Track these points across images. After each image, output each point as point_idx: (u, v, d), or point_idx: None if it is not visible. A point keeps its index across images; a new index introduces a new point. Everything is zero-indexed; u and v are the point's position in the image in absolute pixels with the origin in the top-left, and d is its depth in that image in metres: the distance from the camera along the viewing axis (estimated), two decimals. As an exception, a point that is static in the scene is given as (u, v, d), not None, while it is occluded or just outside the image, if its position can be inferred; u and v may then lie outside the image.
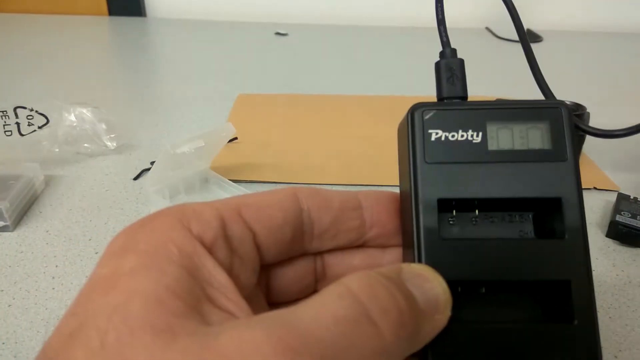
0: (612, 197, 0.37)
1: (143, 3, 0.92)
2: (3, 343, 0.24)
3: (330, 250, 0.17)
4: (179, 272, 0.12)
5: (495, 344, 0.14)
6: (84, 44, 0.76)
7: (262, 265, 0.16)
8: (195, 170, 0.36)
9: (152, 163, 0.39)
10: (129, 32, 0.83)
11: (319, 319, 0.11)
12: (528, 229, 0.16)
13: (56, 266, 0.29)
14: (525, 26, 0.94)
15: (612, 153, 0.44)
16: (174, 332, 0.11)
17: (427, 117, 0.16)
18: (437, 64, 0.18)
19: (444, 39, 0.18)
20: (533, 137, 0.16)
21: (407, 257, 0.16)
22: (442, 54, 0.18)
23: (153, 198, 0.34)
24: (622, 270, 0.29)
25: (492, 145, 0.16)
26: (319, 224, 0.16)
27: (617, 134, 0.17)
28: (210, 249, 0.13)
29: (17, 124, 0.38)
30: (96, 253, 0.30)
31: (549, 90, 0.18)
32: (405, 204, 0.16)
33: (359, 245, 0.17)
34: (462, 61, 0.18)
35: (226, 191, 0.36)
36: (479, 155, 0.15)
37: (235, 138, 0.43)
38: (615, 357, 0.23)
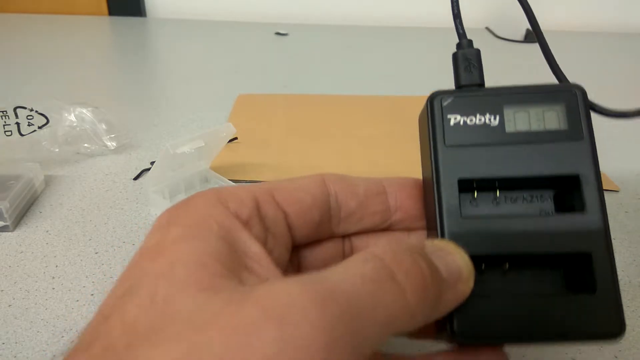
0: (612, 198, 0.37)
1: (143, 3, 0.92)
2: (3, 343, 0.24)
3: (357, 233, 0.18)
4: (219, 242, 0.13)
5: (519, 315, 0.15)
6: (84, 44, 0.76)
7: (294, 247, 0.17)
8: (195, 170, 0.36)
9: (152, 163, 0.39)
10: (129, 32, 0.83)
11: (346, 278, 0.12)
12: (548, 207, 0.17)
13: (56, 266, 0.29)
14: (525, 26, 0.94)
15: (611, 152, 0.44)
16: (217, 288, 0.12)
17: (445, 103, 0.17)
18: (455, 55, 0.18)
19: (460, 31, 0.19)
20: (549, 118, 0.16)
21: (431, 237, 0.17)
22: (459, 45, 0.19)
23: (153, 198, 0.34)
24: (622, 270, 0.29)
25: (509, 127, 0.16)
26: (345, 208, 0.17)
27: (629, 114, 0.18)
28: (245, 225, 0.15)
29: (17, 124, 0.38)
30: (96, 253, 0.30)
31: (562, 74, 0.18)
32: (428, 187, 0.17)
33: (384, 228, 0.18)
34: (478, 51, 0.18)
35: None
36: (497, 137, 0.16)
37: (236, 138, 0.43)
38: (616, 357, 0.23)
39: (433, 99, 0.17)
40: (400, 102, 0.54)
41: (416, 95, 0.56)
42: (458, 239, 0.15)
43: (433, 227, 0.16)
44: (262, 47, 0.76)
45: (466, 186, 0.16)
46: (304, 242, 0.17)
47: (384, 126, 0.48)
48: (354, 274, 0.12)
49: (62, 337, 0.24)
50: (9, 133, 0.38)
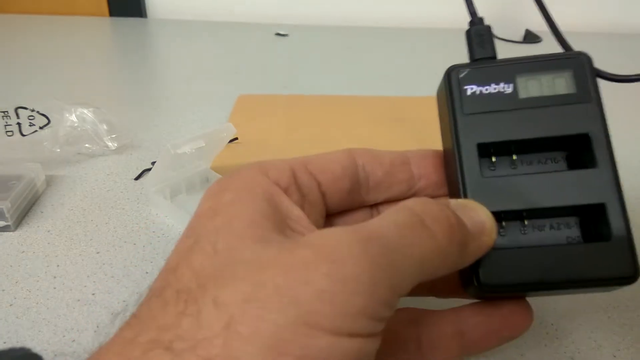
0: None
1: (144, 4, 0.92)
2: (4, 342, 0.24)
3: (385, 202, 0.20)
4: (265, 204, 0.15)
5: (539, 265, 0.16)
6: (84, 44, 0.76)
7: (328, 215, 0.18)
8: (196, 170, 0.36)
9: (153, 163, 0.39)
10: (129, 32, 0.83)
11: (382, 224, 0.14)
12: (562, 166, 0.18)
13: (57, 266, 0.29)
14: (524, 27, 0.94)
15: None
16: (269, 240, 0.13)
17: (462, 75, 0.18)
18: (468, 31, 0.20)
19: (472, 9, 0.20)
20: (559, 83, 0.17)
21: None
22: (471, 23, 0.20)
23: (154, 198, 0.34)
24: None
25: (522, 94, 0.17)
26: (373, 177, 0.19)
27: (633, 78, 0.19)
28: (285, 192, 0.16)
29: (19, 124, 0.38)
30: (97, 253, 0.30)
31: (567, 43, 0.20)
32: (449, 155, 0.18)
33: (410, 196, 0.19)
34: (489, 27, 0.20)
35: (227, 191, 0.36)
36: (511, 103, 0.17)
37: (236, 138, 0.43)
38: (614, 356, 0.23)
39: (450, 72, 0.18)
40: (400, 102, 0.54)
41: (416, 96, 0.56)
42: (479, 197, 0.16)
43: (455, 191, 0.17)
44: (262, 48, 0.76)
45: (485, 151, 0.17)
46: (336, 210, 0.19)
47: (384, 126, 0.48)
48: (389, 221, 0.14)
49: (64, 336, 0.24)
50: (10, 133, 0.38)
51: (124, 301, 0.25)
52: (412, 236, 0.14)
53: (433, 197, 0.19)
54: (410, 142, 0.45)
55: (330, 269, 0.12)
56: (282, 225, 0.15)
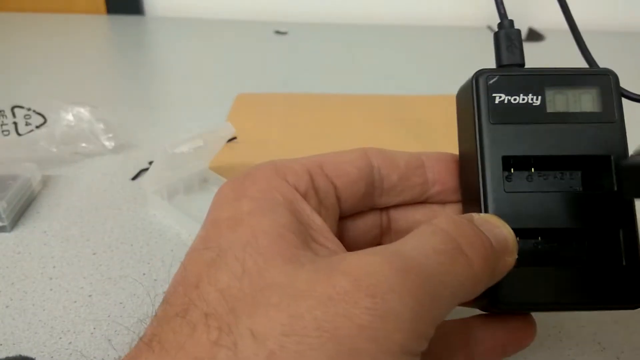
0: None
1: (141, 1, 0.91)
2: (0, 344, 0.24)
3: (395, 206, 0.19)
4: (288, 214, 0.14)
5: (553, 283, 0.16)
6: (81, 42, 0.76)
7: (340, 218, 0.18)
8: (194, 170, 0.36)
9: (151, 163, 0.38)
10: (127, 30, 0.82)
11: (419, 250, 0.13)
12: (577, 184, 0.18)
13: (54, 267, 0.29)
14: (527, 24, 0.94)
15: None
16: (300, 260, 0.13)
17: (491, 81, 0.17)
18: (497, 34, 0.19)
19: (502, 11, 0.19)
20: (585, 100, 0.17)
21: (470, 210, 0.17)
22: (500, 25, 0.19)
23: (151, 198, 0.34)
24: None
25: (549, 108, 0.17)
26: (387, 180, 0.18)
27: None
28: (303, 197, 0.15)
29: (15, 123, 0.38)
30: (94, 254, 0.30)
31: (593, 60, 0.19)
32: (468, 162, 0.18)
33: (422, 201, 0.19)
34: (519, 31, 0.19)
35: (225, 191, 0.36)
36: (539, 116, 0.17)
37: (235, 138, 0.43)
38: (618, 358, 0.23)
39: (479, 77, 0.18)
40: (400, 101, 0.54)
41: (417, 95, 0.56)
42: (501, 212, 0.16)
43: (471, 200, 0.17)
44: (261, 46, 0.75)
45: (506, 163, 0.17)
46: (347, 213, 0.18)
47: (384, 125, 0.47)
48: (425, 246, 0.13)
49: (60, 338, 0.24)
50: (6, 133, 0.37)
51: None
52: (449, 264, 0.13)
53: (446, 202, 0.19)
54: (410, 141, 0.45)
55: (371, 304, 0.11)
56: (305, 238, 0.14)
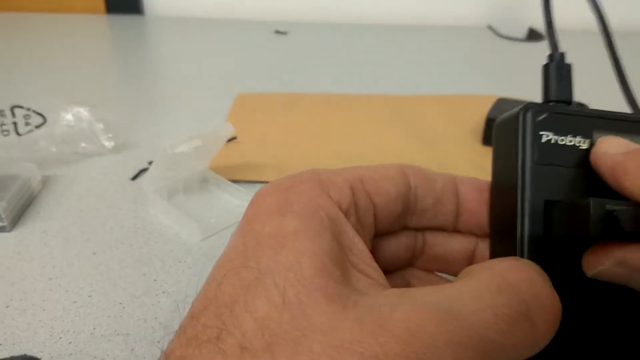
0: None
1: (141, 1, 0.91)
2: (0, 344, 0.24)
3: (431, 229, 0.18)
4: (331, 238, 0.13)
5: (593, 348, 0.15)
6: (81, 42, 0.76)
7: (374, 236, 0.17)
8: (193, 170, 0.36)
9: (150, 163, 0.38)
10: (127, 30, 0.82)
11: (479, 313, 0.12)
12: None
13: (53, 267, 0.29)
14: (528, 25, 0.93)
15: None
16: (343, 301, 0.12)
17: (540, 118, 0.16)
18: (547, 66, 0.18)
19: (554, 40, 0.19)
20: None
21: (499, 250, 0.16)
22: (551, 57, 0.18)
23: (151, 198, 0.34)
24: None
25: None
26: (422, 203, 0.17)
27: None
28: (346, 216, 0.15)
29: (14, 123, 0.38)
30: (94, 254, 0.30)
31: (636, 105, 0.19)
32: (505, 199, 0.17)
33: (449, 228, 0.18)
34: (570, 66, 0.18)
35: (226, 191, 0.36)
36: (585, 160, 0.16)
37: (235, 138, 0.43)
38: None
39: (527, 111, 0.16)
40: (400, 101, 0.54)
41: (417, 95, 0.56)
42: (540, 261, 0.15)
43: (503, 240, 0.16)
44: (261, 46, 0.75)
45: (548, 207, 0.16)
46: (381, 232, 0.17)
47: (385, 125, 0.47)
48: (486, 307, 0.12)
49: (60, 338, 0.24)
50: (6, 133, 0.37)
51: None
52: (513, 334, 0.12)
53: (471, 233, 0.18)
54: (410, 141, 0.45)
55: None
56: (346, 266, 0.13)
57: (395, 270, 0.19)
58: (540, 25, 0.87)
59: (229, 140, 0.42)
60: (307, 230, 0.13)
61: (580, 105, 0.40)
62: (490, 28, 0.89)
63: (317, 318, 0.11)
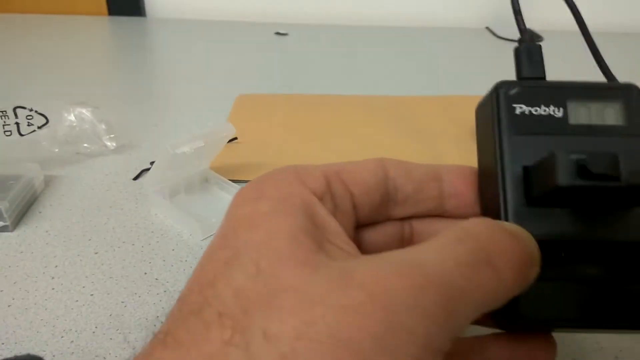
0: None
1: (143, 3, 0.92)
2: (2, 343, 0.24)
3: (417, 217, 0.19)
4: (304, 216, 0.14)
5: (577, 300, 0.15)
6: (83, 43, 0.76)
7: (356, 227, 0.18)
8: (195, 170, 0.36)
9: (152, 163, 0.38)
10: (128, 32, 0.83)
11: (441, 261, 0.12)
12: None
13: (56, 266, 0.29)
14: (526, 26, 0.92)
15: None
16: (314, 264, 0.13)
17: (512, 92, 0.17)
18: (517, 48, 0.19)
19: (522, 26, 0.19)
20: (608, 114, 0.17)
21: None
22: (520, 40, 0.19)
23: (153, 198, 0.34)
24: None
25: (572, 120, 0.17)
26: (402, 192, 0.18)
27: None
28: (320, 201, 0.15)
29: (17, 124, 0.38)
30: (96, 253, 0.30)
31: (612, 75, 0.19)
32: (488, 175, 0.17)
33: (439, 214, 0.19)
34: (540, 46, 0.19)
35: (226, 191, 0.36)
36: (561, 128, 0.17)
37: (235, 138, 0.43)
38: (616, 357, 0.23)
39: (499, 88, 0.17)
40: (400, 103, 0.54)
41: (417, 96, 0.56)
42: (522, 224, 0.15)
43: (491, 213, 0.17)
44: (262, 47, 0.75)
45: (527, 174, 0.16)
46: (364, 222, 0.18)
47: (384, 126, 0.48)
48: (449, 257, 0.13)
49: (62, 337, 0.24)
50: (8, 133, 0.38)
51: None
52: (475, 278, 0.12)
53: (464, 217, 0.18)
54: (409, 142, 0.45)
55: (385, 316, 0.11)
56: (321, 240, 0.14)
57: None
58: (538, 26, 0.87)
59: (230, 140, 0.43)
60: (280, 211, 0.14)
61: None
62: (489, 29, 0.90)
63: (288, 280, 0.12)
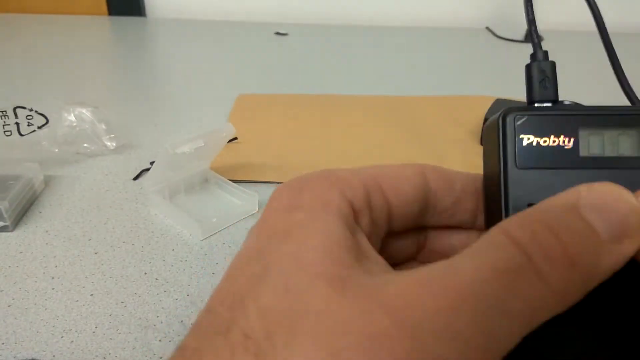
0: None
1: (143, 3, 0.92)
2: (3, 343, 0.24)
3: (449, 228, 0.18)
4: (341, 228, 0.13)
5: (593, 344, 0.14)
6: (83, 43, 0.76)
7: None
8: (195, 170, 0.36)
9: (152, 163, 0.38)
10: (128, 32, 0.83)
11: (475, 272, 0.11)
12: None
13: (56, 266, 0.29)
14: (526, 26, 0.94)
15: None
16: (344, 282, 0.12)
17: (519, 122, 0.16)
18: (529, 66, 0.18)
19: (536, 40, 0.18)
20: (623, 142, 0.16)
21: None
22: (533, 56, 0.18)
23: (153, 198, 0.34)
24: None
25: (583, 151, 0.16)
26: (441, 204, 0.17)
27: None
28: (357, 215, 0.15)
29: (17, 124, 0.38)
30: (96, 253, 0.30)
31: (635, 96, 0.18)
32: (492, 205, 0.16)
33: (469, 227, 0.18)
34: (554, 64, 0.18)
35: (226, 191, 0.36)
36: (570, 161, 0.16)
37: (235, 138, 0.43)
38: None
39: (506, 116, 0.16)
40: (400, 102, 0.54)
41: (417, 95, 0.56)
42: None
43: None
44: (262, 47, 0.76)
45: None
46: (394, 231, 0.17)
47: (384, 126, 0.48)
48: (484, 265, 0.11)
49: (62, 337, 0.24)
50: (8, 133, 0.38)
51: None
52: (516, 286, 0.11)
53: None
54: (409, 141, 0.45)
55: (412, 345, 0.10)
56: (357, 253, 0.13)
57: (398, 264, 0.19)
58: (539, 26, 0.87)
59: (230, 140, 0.43)
60: (314, 221, 0.13)
61: (577, 105, 0.40)
62: (489, 29, 0.90)
63: (314, 301, 0.12)
